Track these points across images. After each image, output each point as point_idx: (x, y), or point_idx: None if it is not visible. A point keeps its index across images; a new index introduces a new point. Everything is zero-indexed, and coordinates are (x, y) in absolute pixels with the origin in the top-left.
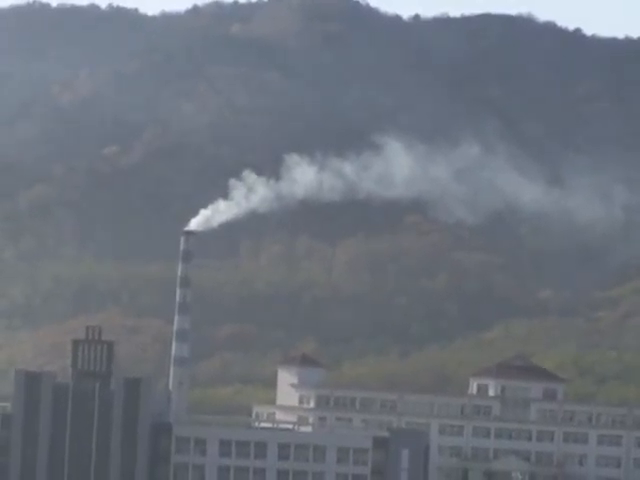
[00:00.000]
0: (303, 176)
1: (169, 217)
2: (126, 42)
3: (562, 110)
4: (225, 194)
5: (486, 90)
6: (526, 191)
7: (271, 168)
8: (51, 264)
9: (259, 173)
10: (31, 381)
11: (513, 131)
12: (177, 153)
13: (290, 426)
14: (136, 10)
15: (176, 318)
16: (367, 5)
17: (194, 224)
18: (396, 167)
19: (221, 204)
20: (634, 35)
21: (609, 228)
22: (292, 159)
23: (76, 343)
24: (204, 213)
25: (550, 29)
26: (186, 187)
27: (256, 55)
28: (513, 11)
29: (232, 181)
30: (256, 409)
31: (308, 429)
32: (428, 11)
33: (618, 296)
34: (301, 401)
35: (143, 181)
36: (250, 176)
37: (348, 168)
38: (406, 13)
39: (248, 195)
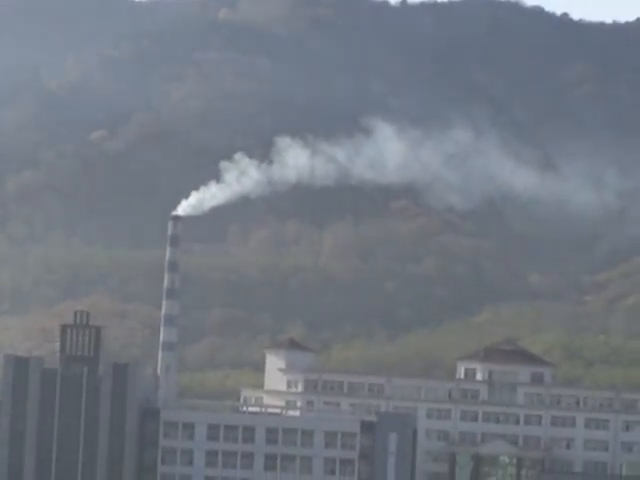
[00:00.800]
0: (292, 161)
1: (158, 202)
2: (115, 27)
3: (550, 95)
4: (213, 179)
5: (474, 75)
6: (517, 176)
7: (260, 153)
8: (39, 249)
9: (247, 158)
10: (19, 366)
11: (502, 115)
12: (166, 138)
13: (278, 410)
14: None
15: (164, 303)
16: None
17: (182, 209)
18: (387, 152)
19: (209, 189)
20: (621, 20)
21: (601, 213)
22: (281, 144)
23: (64, 328)
24: (192, 198)
25: (537, 14)
26: (175, 172)
27: (244, 40)
28: None
29: (221, 165)
30: (244, 393)
31: (296, 413)
32: None
33: (606, 280)
34: (289, 385)
35: (131, 166)
36: (239, 160)
37: (337, 152)
38: None
39: (237, 180)
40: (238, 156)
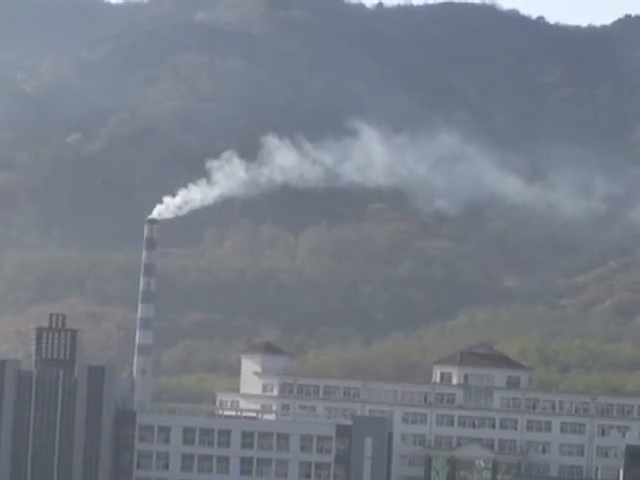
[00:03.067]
0: (268, 163)
1: (134, 204)
2: (91, 29)
3: (525, 98)
4: (190, 181)
5: (450, 78)
6: (500, 179)
7: (237, 155)
8: (15, 251)
9: (224, 160)
10: None
11: (481, 119)
12: (142, 140)
13: (254, 414)
14: None
15: (140, 306)
16: None
17: (158, 211)
18: (368, 154)
19: (186, 191)
20: (597, 23)
21: (580, 217)
22: (258, 145)
23: (40, 331)
24: (168, 201)
25: (513, 17)
26: (151, 174)
27: (220, 42)
28: None
29: (197, 167)
30: (220, 397)
31: (272, 417)
32: None
33: (582, 284)
34: (265, 389)
35: (108, 168)
36: (216, 162)
37: (312, 155)
38: (369, 1)
39: (213, 182)
40: (215, 158)
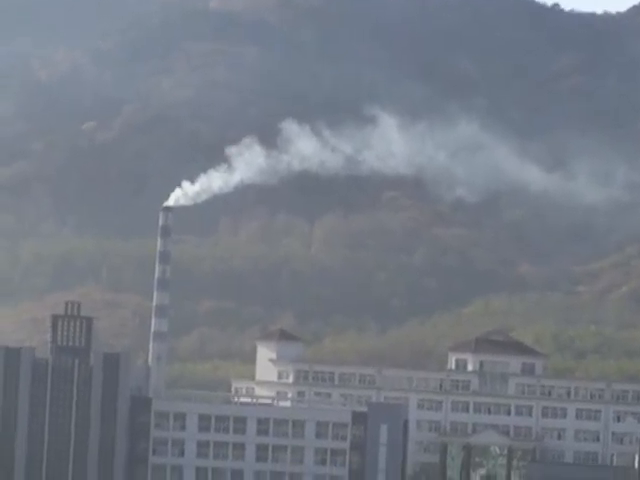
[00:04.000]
0: (286, 151)
1: (148, 192)
2: (105, 18)
3: (540, 86)
4: (204, 169)
5: (462, 67)
6: (516, 168)
7: (249, 143)
8: (30, 240)
9: (237, 149)
10: (10, 356)
11: (494, 106)
12: (156, 128)
13: (269, 401)
14: None
15: (155, 294)
16: None
17: (173, 199)
18: (383, 142)
19: (200, 179)
20: (612, 10)
21: (602, 204)
22: (272, 133)
23: (55, 318)
24: (184, 188)
25: (528, 4)
26: (165, 162)
27: (234, 30)
28: None
29: (211, 155)
30: (235, 384)
31: (287, 404)
32: None
33: (598, 271)
34: (280, 376)
35: (122, 157)
36: (230, 151)
37: (328, 143)
38: None
39: (228, 170)
40: (230, 145)
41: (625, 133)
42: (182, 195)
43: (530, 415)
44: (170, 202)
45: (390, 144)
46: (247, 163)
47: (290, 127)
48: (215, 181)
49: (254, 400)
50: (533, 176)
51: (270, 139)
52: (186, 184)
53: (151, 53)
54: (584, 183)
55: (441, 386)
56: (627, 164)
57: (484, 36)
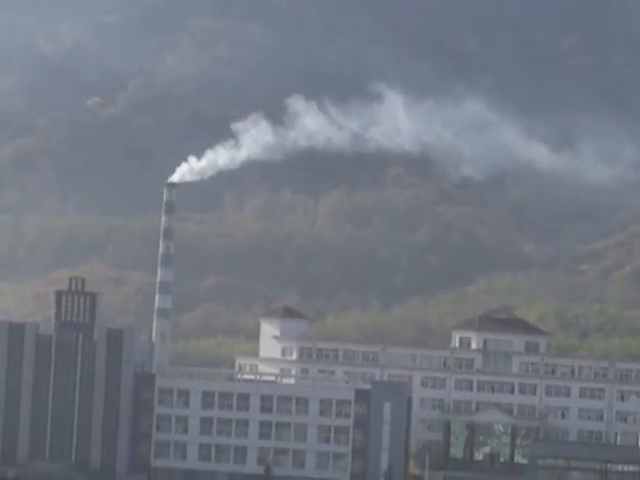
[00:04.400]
0: (292, 128)
1: (153, 169)
2: None
3: (546, 64)
4: (208, 145)
5: (466, 45)
6: (522, 146)
7: (254, 120)
8: (34, 216)
9: (242, 125)
10: (14, 332)
11: (499, 85)
12: (161, 105)
13: (273, 378)
14: None
15: (159, 270)
16: None
17: (177, 176)
18: (387, 119)
19: (207, 155)
20: None
21: (608, 184)
22: (278, 110)
23: (59, 294)
24: (189, 163)
25: None
26: (170, 139)
27: (239, 7)
28: None
29: (215, 132)
30: (239, 361)
31: (291, 381)
32: None
33: (602, 249)
34: (284, 353)
35: (126, 133)
36: (235, 127)
37: (334, 120)
38: None
39: (232, 147)
40: (236, 122)
41: (631, 112)
42: (186, 171)
43: (534, 394)
44: (174, 178)
45: (396, 121)
46: (251, 140)
47: (296, 104)
48: (219, 157)
49: (258, 377)
50: (538, 154)
51: (275, 116)
52: (190, 160)
53: (156, 29)
54: (590, 162)
55: (445, 364)
56: (634, 143)
57: (489, 15)
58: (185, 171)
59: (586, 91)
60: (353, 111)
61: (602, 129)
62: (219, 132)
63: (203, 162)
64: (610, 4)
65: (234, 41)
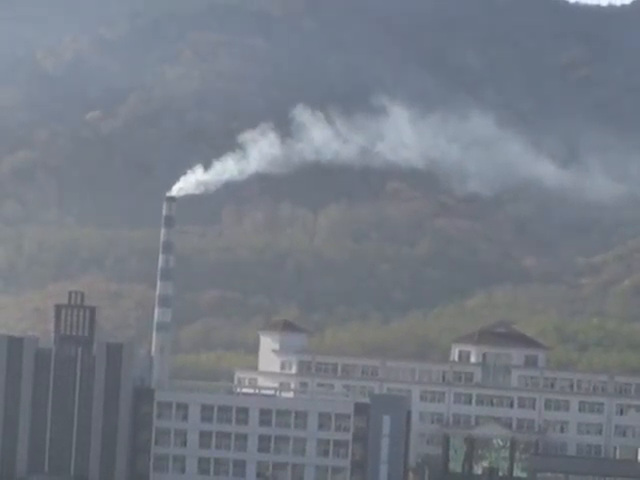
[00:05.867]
0: (294, 141)
1: (152, 182)
2: (110, 7)
3: (544, 79)
4: (209, 159)
5: (467, 59)
6: (521, 159)
7: (255, 133)
8: (34, 229)
9: (242, 139)
10: (13, 345)
11: (499, 97)
12: (161, 119)
13: (272, 392)
14: None
15: (159, 284)
16: None
17: (177, 189)
18: (390, 133)
19: (204, 169)
20: (617, 3)
21: (611, 199)
22: (275, 125)
23: (59, 308)
24: (189, 177)
25: None
26: (169, 153)
27: (240, 21)
28: None
29: (216, 146)
30: (238, 375)
31: (290, 395)
32: None
33: (601, 263)
34: (283, 367)
35: (126, 147)
36: (235, 141)
37: (338, 133)
38: None
39: (232, 160)
40: (234, 136)
41: (633, 123)
42: (186, 185)
43: (533, 407)
44: (174, 192)
45: (401, 136)
46: (252, 153)
47: (298, 116)
48: (220, 171)
49: (257, 391)
50: (544, 170)
51: (276, 129)
52: (190, 174)
53: (156, 43)
54: (590, 176)
55: (444, 378)
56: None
57: (491, 28)
58: (185, 184)
59: (589, 104)
60: (357, 124)
61: (607, 142)
62: (219, 146)
63: (203, 175)
64: (608, 15)
65: (235, 54)
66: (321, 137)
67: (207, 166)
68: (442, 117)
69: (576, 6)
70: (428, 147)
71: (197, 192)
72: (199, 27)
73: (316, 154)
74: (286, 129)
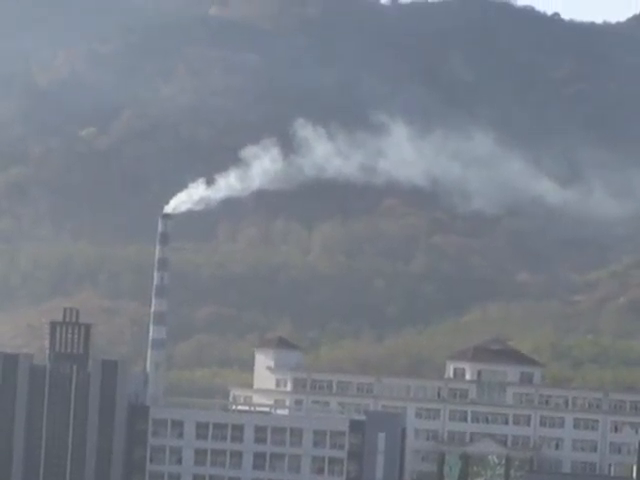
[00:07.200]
0: (277, 160)
1: (147, 199)
2: (104, 22)
3: (540, 94)
4: (202, 175)
5: (463, 74)
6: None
7: (248, 150)
8: (28, 245)
9: (236, 155)
10: (8, 362)
11: (496, 112)
12: (155, 134)
13: (267, 409)
14: None
15: (153, 300)
16: None
17: (172, 206)
18: (379, 151)
19: (198, 185)
20: (612, 20)
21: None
22: (269, 141)
23: (53, 325)
24: (182, 194)
25: (528, 13)
26: (164, 168)
27: (234, 37)
28: None
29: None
30: (233, 392)
31: (285, 412)
32: None
33: (595, 280)
34: (278, 384)
35: (121, 162)
36: (229, 157)
37: (323, 150)
38: None
39: (226, 177)
40: (228, 152)
41: (630, 140)
42: (181, 201)
43: (528, 424)
44: (169, 209)
45: (399, 152)
46: (247, 169)
47: (300, 131)
48: (214, 187)
49: (252, 408)
50: (545, 188)
51: (270, 145)
52: (185, 190)
53: (150, 58)
54: (590, 192)
55: (439, 395)
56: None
57: (485, 44)
58: (180, 200)
59: (584, 119)
60: (359, 141)
61: (605, 158)
62: (213, 161)
63: (197, 192)
64: (604, 35)
65: (229, 70)
66: (323, 153)
67: (202, 182)
68: (442, 135)
69: (571, 23)
70: (429, 165)
71: (192, 208)
72: (193, 43)
73: (317, 170)
74: (288, 145)
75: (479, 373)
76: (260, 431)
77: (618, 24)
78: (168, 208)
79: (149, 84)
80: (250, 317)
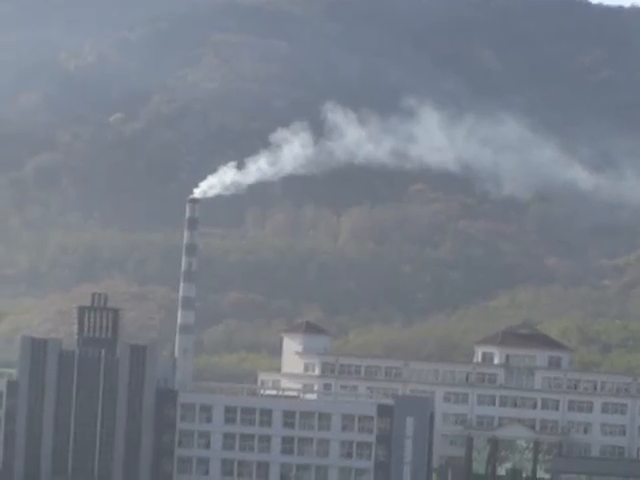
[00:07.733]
0: (308, 145)
1: (175, 184)
2: (132, 9)
3: (567, 81)
4: (231, 160)
5: (489, 60)
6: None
7: (279, 134)
8: (57, 232)
9: (265, 141)
10: (37, 348)
11: (523, 99)
12: (183, 120)
13: (295, 393)
14: None
15: (182, 286)
16: None
17: (200, 191)
18: (408, 137)
19: (227, 171)
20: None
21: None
22: (298, 127)
23: (82, 310)
24: (210, 180)
25: None
26: (192, 154)
27: (262, 22)
28: None
29: (239, 147)
30: (261, 376)
31: (313, 397)
32: None
33: (624, 265)
34: (306, 369)
35: (149, 148)
36: (257, 143)
37: (355, 135)
38: None
39: (255, 162)
40: (256, 138)
41: None
42: (209, 187)
43: (556, 409)
44: (197, 194)
45: (430, 137)
46: (275, 155)
47: (331, 116)
48: (243, 172)
49: (280, 392)
50: (571, 172)
51: (300, 130)
52: (213, 175)
53: (178, 45)
54: (622, 178)
55: (467, 379)
56: None
57: (510, 30)
58: (208, 186)
59: (612, 106)
60: (390, 126)
61: (636, 144)
62: (242, 147)
63: (225, 177)
64: (626, 16)
65: (256, 56)
66: (354, 138)
67: (230, 167)
68: (472, 121)
69: (598, 7)
70: (460, 150)
71: (220, 193)
72: (221, 29)
73: (348, 155)
74: (319, 129)
75: (507, 357)
76: (288, 416)
77: None
78: (197, 192)
79: (177, 70)
80: (278, 303)
